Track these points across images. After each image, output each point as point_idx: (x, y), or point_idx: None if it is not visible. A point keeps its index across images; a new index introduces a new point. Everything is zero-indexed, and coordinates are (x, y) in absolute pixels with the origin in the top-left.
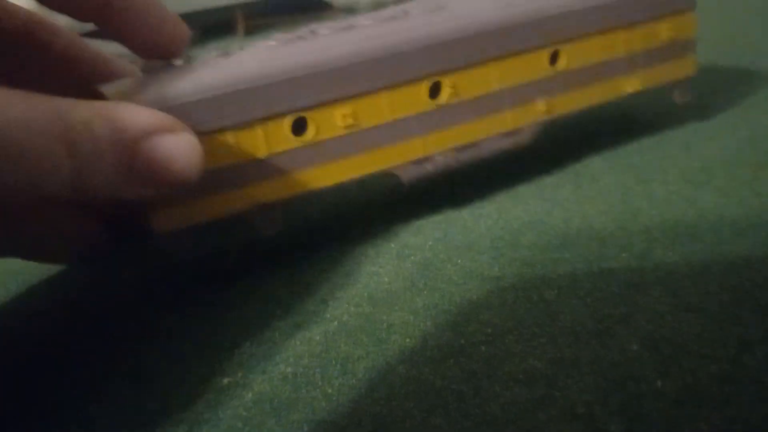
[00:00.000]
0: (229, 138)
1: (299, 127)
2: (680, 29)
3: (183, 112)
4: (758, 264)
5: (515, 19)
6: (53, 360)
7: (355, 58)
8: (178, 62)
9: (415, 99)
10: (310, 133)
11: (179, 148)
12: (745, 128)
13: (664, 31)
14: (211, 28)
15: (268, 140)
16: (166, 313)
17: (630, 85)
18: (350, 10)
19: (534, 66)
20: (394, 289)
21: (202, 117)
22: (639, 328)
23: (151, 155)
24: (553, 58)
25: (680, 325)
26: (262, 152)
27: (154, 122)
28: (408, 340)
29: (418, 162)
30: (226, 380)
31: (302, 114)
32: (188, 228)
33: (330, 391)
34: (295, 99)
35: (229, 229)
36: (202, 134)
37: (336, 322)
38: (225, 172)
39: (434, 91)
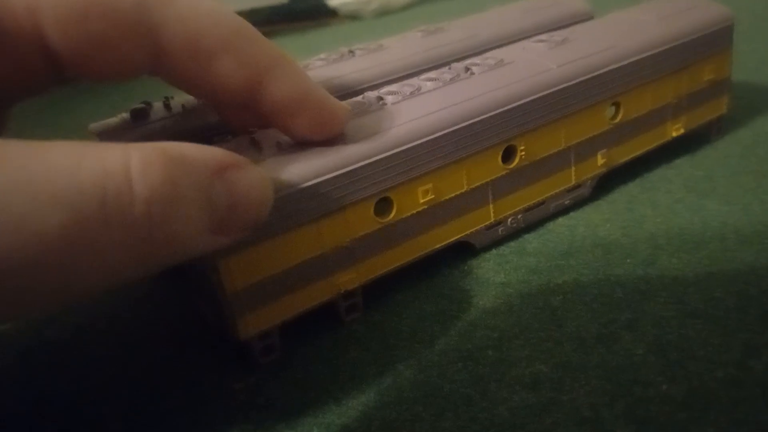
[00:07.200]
0: (315, 228)
1: (383, 208)
2: (719, 69)
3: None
4: (763, 271)
5: (585, 73)
6: (74, 365)
7: (436, 131)
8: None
9: (489, 165)
10: (393, 213)
11: (255, 181)
12: (749, 136)
13: (706, 72)
14: None
15: (353, 225)
16: (178, 321)
17: (675, 129)
18: (354, 18)
19: (597, 119)
20: (402, 297)
21: (290, 211)
22: (645, 333)
23: (232, 188)
24: (614, 110)
25: (686, 331)
26: (346, 238)
27: (226, 158)
28: (416, 345)
29: (491, 227)
30: (238, 385)
31: (386, 194)
32: (274, 328)
33: (340, 395)
34: (381, 179)
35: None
36: (286, 230)
37: (345, 330)
38: (310, 264)
39: (507, 155)
